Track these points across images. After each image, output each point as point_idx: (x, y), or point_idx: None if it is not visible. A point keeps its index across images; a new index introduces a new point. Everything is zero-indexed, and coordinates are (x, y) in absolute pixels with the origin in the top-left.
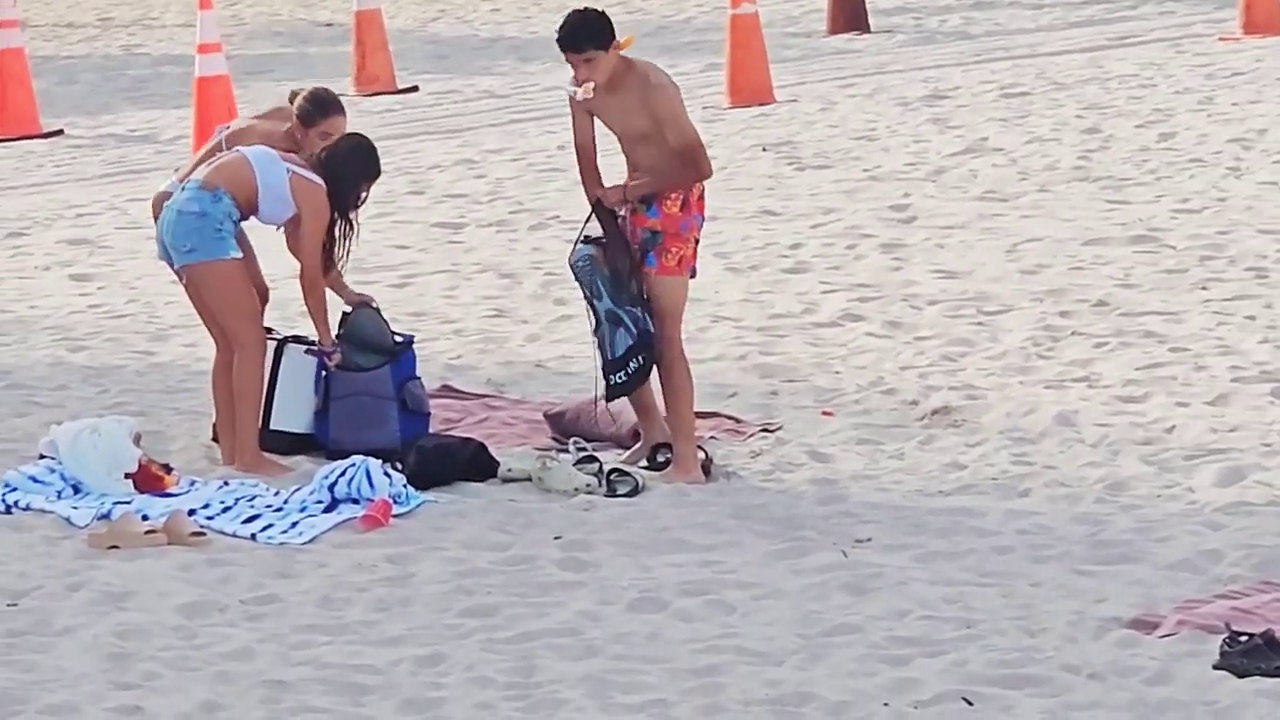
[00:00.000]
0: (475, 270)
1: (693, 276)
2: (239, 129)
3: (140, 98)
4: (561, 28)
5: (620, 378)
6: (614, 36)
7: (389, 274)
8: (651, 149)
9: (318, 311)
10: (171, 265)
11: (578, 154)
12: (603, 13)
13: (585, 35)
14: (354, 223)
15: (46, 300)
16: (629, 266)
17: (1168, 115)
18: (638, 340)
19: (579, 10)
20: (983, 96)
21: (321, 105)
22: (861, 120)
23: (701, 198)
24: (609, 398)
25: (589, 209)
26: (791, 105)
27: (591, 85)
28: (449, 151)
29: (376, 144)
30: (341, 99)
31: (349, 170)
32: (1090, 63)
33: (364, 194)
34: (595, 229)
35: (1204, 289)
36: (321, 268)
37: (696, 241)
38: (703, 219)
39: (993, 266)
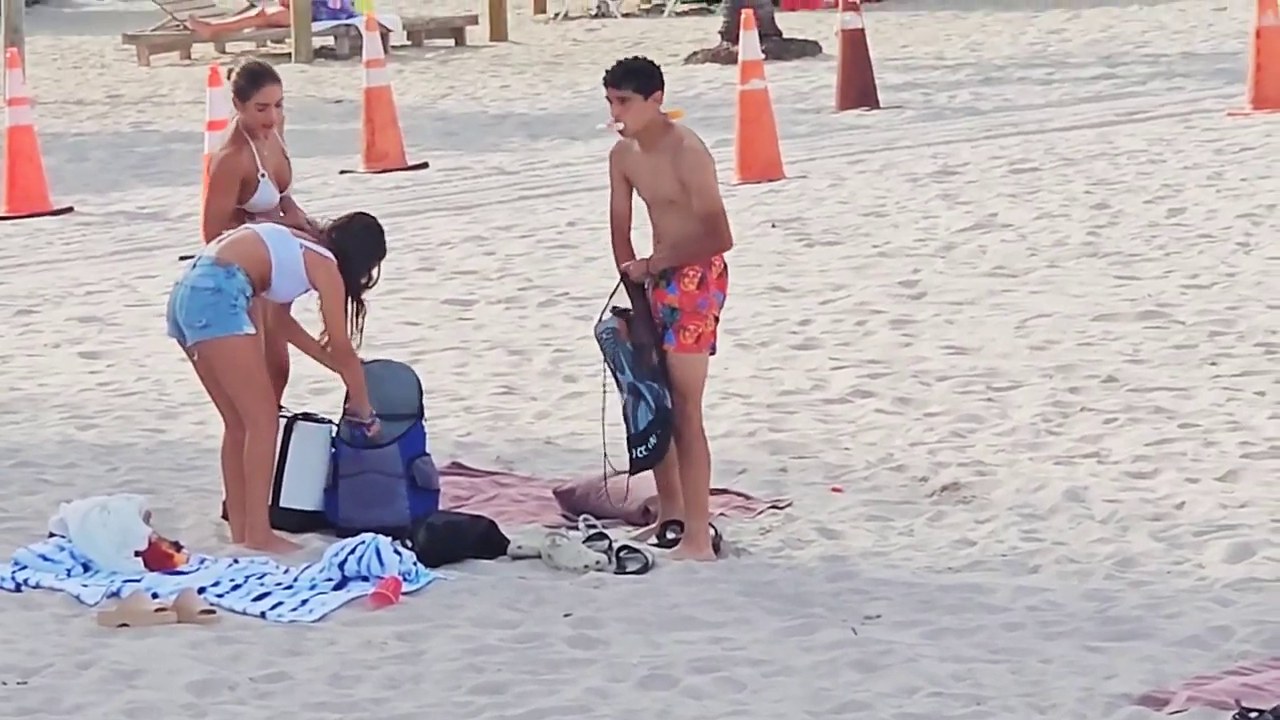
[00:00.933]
0: (485, 347)
1: (712, 353)
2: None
3: (149, 175)
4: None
5: (642, 452)
6: (656, 88)
7: (399, 351)
8: (677, 217)
9: (354, 383)
10: (182, 342)
11: (611, 220)
12: (653, 62)
13: (626, 74)
14: (364, 302)
15: (56, 378)
16: (651, 341)
17: (1177, 190)
18: (656, 416)
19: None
20: (992, 172)
21: (254, 77)
22: (871, 196)
23: (722, 275)
24: (631, 471)
25: (618, 278)
26: (801, 181)
27: (619, 125)
28: (458, 228)
29: (386, 220)
30: (348, 171)
31: (359, 250)
32: (1099, 138)
33: (374, 274)
34: (623, 299)
35: (1213, 365)
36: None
37: (716, 319)
38: (723, 297)
39: (1002, 342)
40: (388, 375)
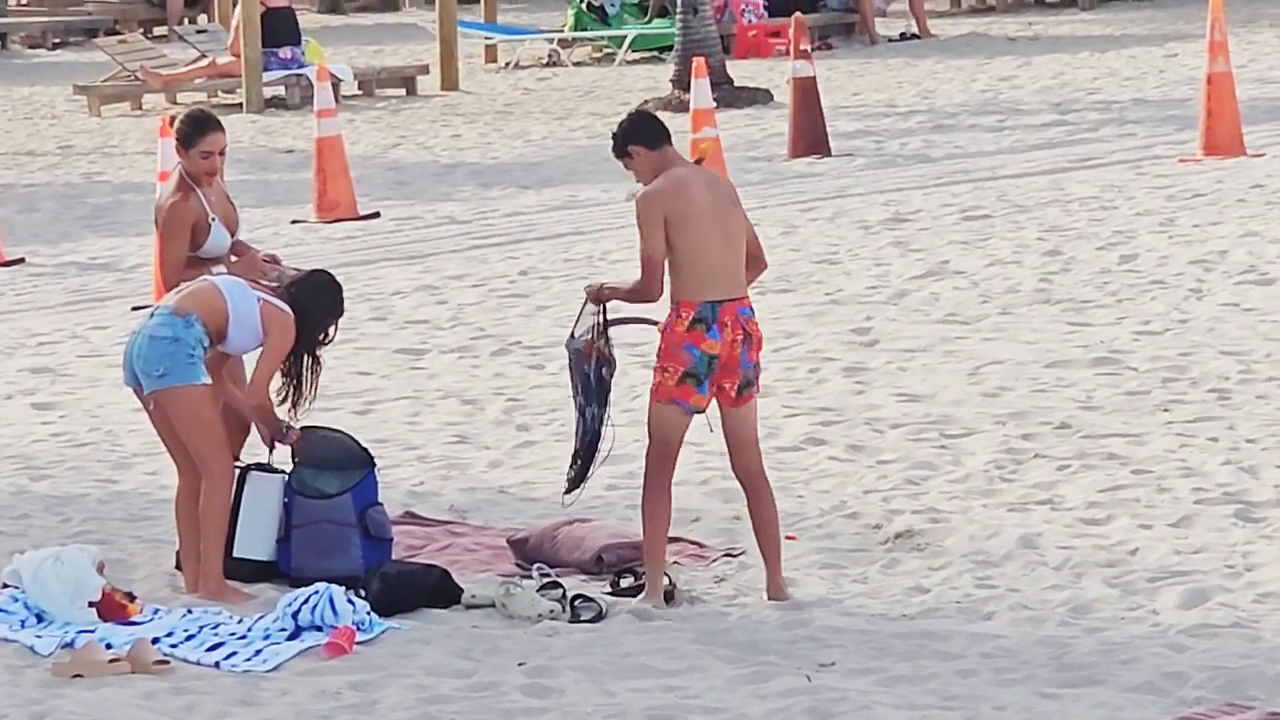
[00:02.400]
0: (437, 396)
1: (695, 413)
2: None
3: (101, 226)
4: None
5: (568, 474)
6: (641, 140)
7: (351, 401)
8: None
9: (266, 424)
10: (139, 391)
11: None
12: (640, 115)
13: (617, 138)
14: (320, 359)
15: (8, 429)
16: (592, 370)
17: (1129, 237)
18: (581, 444)
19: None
20: (944, 219)
21: (199, 125)
22: (823, 243)
23: (692, 330)
24: (565, 492)
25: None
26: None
27: (635, 189)
28: (410, 277)
29: (338, 270)
30: (300, 221)
31: (317, 307)
32: (1051, 185)
33: (331, 331)
34: (587, 319)
35: (1166, 411)
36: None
37: (688, 374)
38: (697, 354)
39: (955, 389)
40: (328, 438)
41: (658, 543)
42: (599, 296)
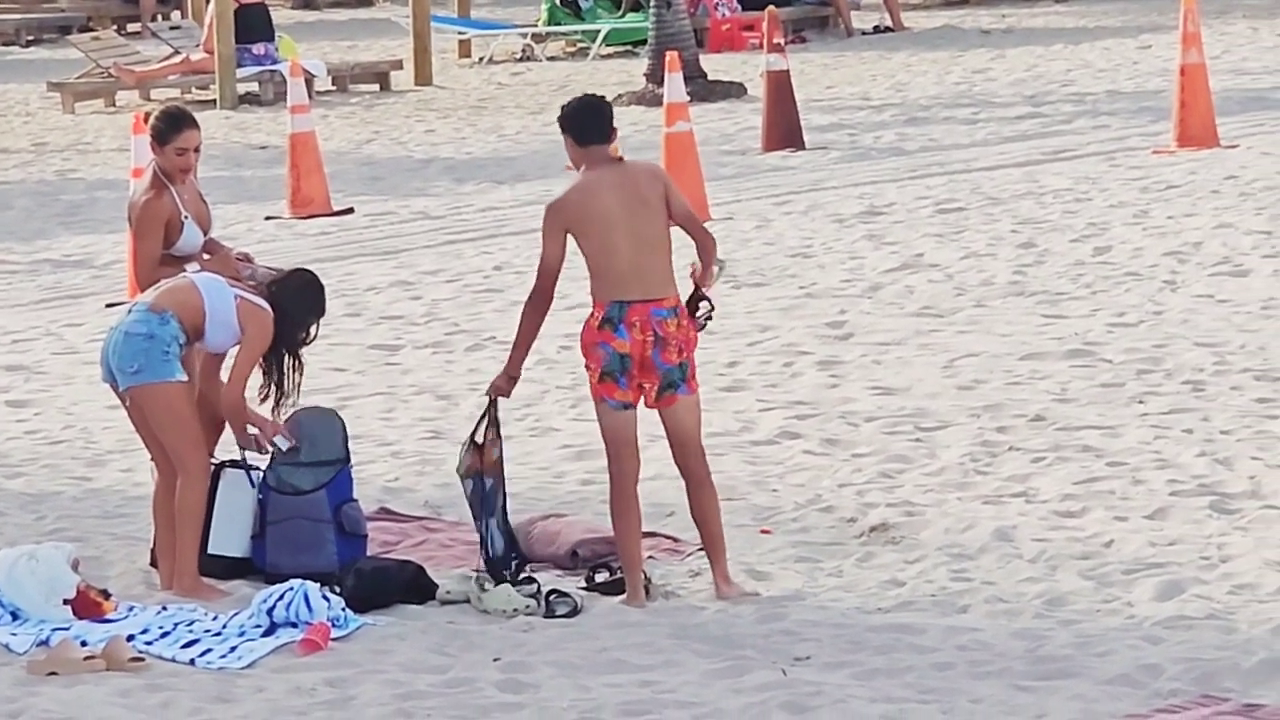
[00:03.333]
0: (412, 392)
1: (625, 408)
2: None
3: (75, 223)
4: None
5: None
6: (570, 132)
7: (326, 397)
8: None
9: (238, 427)
10: (115, 387)
11: None
12: (582, 107)
13: (559, 117)
14: (302, 359)
15: None
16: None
17: (1103, 229)
18: (496, 553)
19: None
20: (918, 212)
21: (173, 121)
22: (797, 237)
23: (602, 328)
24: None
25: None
26: (727, 223)
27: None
28: (385, 273)
29: (312, 266)
30: (274, 217)
31: (297, 306)
32: (1025, 177)
33: (312, 331)
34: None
35: (1141, 403)
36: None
37: (605, 372)
38: (610, 351)
39: (929, 382)
40: (314, 423)
41: (632, 545)
42: (500, 389)
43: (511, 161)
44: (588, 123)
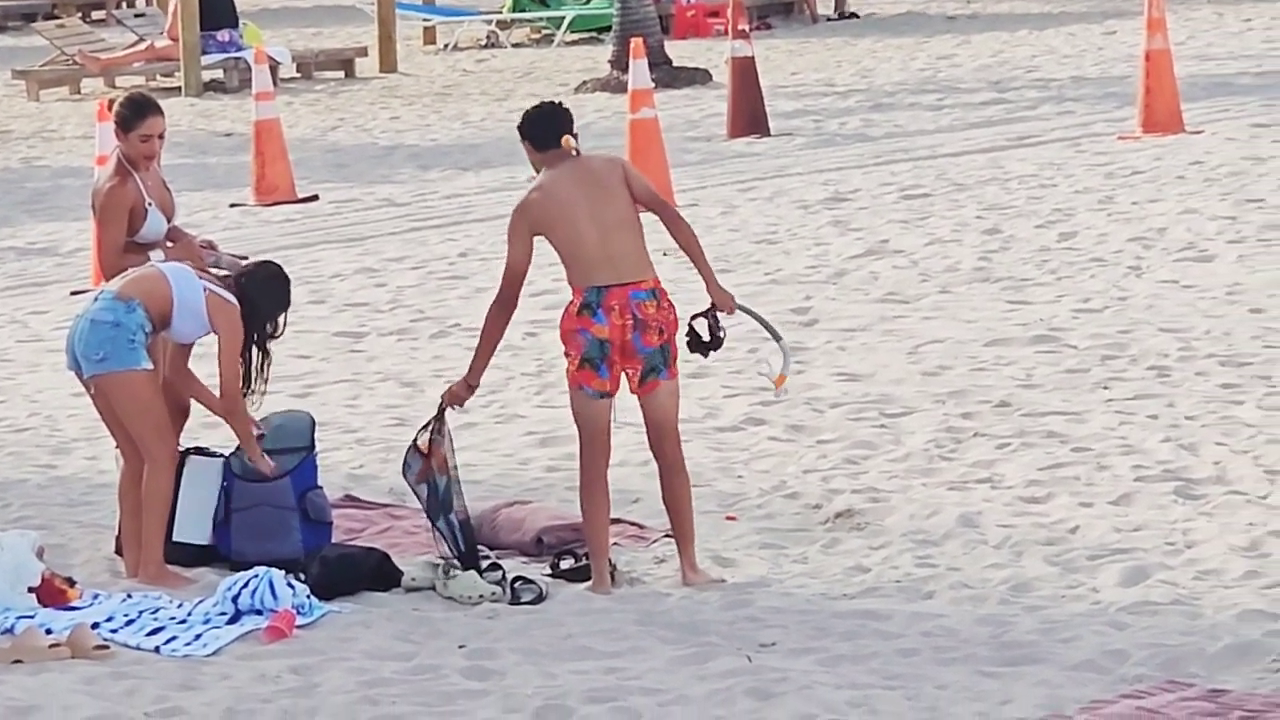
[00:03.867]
0: (377, 379)
1: (602, 397)
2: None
3: (40, 210)
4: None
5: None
6: (529, 138)
7: (291, 384)
8: None
9: (242, 432)
10: (80, 375)
11: None
12: (540, 113)
13: (519, 125)
14: (269, 351)
15: None
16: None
17: (1068, 215)
18: (458, 547)
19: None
20: (883, 198)
21: (138, 108)
22: (762, 223)
23: (581, 314)
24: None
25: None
26: (692, 209)
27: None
28: (349, 260)
29: (276, 254)
30: (239, 204)
31: (264, 298)
32: (990, 163)
33: (279, 323)
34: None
35: (1106, 388)
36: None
37: (585, 359)
38: (589, 338)
39: (894, 368)
40: (286, 422)
41: (599, 532)
42: (457, 397)
43: (476, 148)
44: (546, 129)
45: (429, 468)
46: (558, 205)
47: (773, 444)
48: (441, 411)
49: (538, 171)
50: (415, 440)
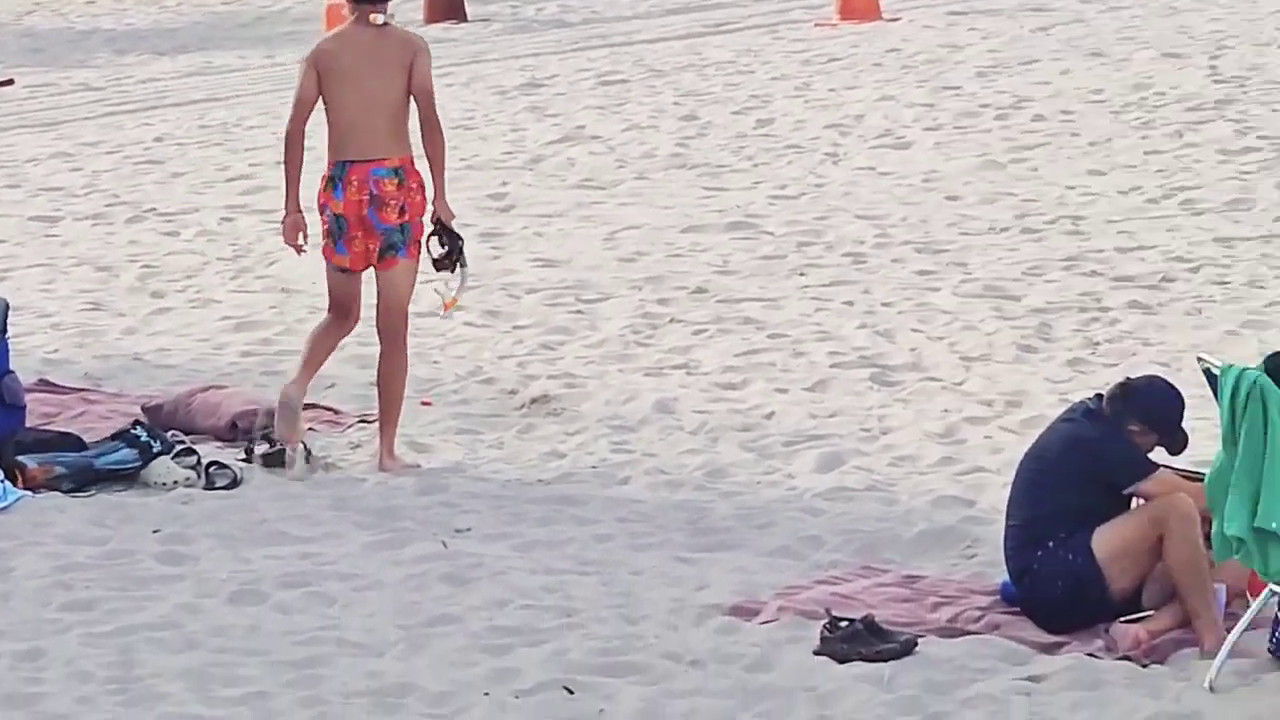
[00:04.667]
0: (71, 264)
1: (341, 273)
2: None
3: None
4: None
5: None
6: None
7: None
8: None
9: None
10: None
11: None
12: None
13: None
14: None
15: None
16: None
17: (765, 102)
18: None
19: None
20: (580, 85)
21: None
22: (459, 109)
23: (327, 192)
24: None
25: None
26: None
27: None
28: (45, 144)
29: None
30: None
31: None
32: (688, 50)
33: None
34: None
35: (802, 275)
36: None
37: (328, 234)
38: (330, 214)
39: (591, 255)
40: None
41: (320, 352)
42: (292, 232)
43: (173, 33)
44: None
45: None
46: (337, 63)
47: (468, 329)
48: (299, 250)
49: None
50: None
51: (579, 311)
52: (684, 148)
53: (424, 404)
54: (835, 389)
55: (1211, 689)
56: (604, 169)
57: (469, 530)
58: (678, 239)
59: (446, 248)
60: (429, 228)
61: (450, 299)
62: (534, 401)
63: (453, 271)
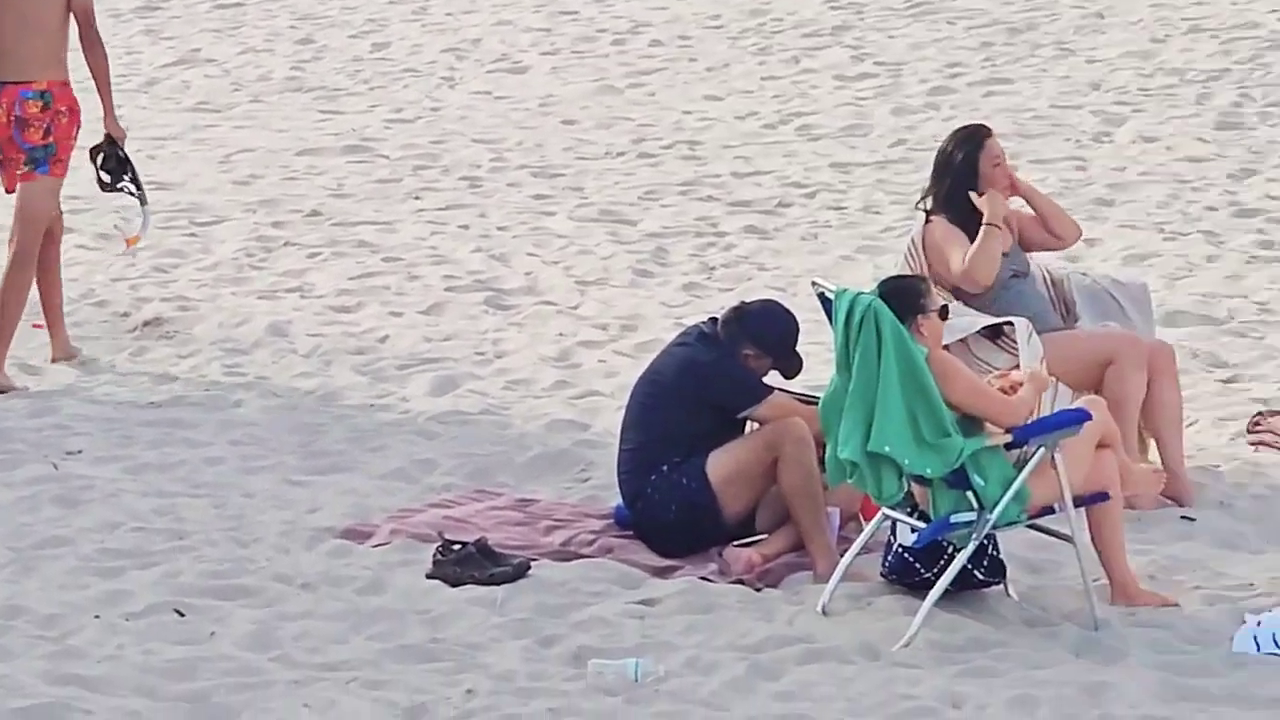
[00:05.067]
0: None
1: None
2: None
3: None
4: None
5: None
6: None
7: None
8: None
9: None
10: None
11: None
12: None
13: None
14: None
15: None
16: None
17: (382, 25)
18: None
19: None
20: (196, 8)
21: None
22: None
23: None
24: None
25: None
26: None
27: None
28: None
29: None
30: None
31: None
32: None
33: None
34: None
35: (417, 199)
36: None
37: None
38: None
39: (205, 177)
40: None
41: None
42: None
43: None
44: None
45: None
46: None
47: (80, 252)
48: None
49: None
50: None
51: (193, 234)
52: (300, 71)
53: (36, 326)
54: (450, 312)
55: (824, 612)
56: (219, 92)
57: (80, 452)
58: (293, 161)
59: (113, 171)
60: (101, 148)
61: (132, 235)
62: (146, 324)
63: (124, 194)
